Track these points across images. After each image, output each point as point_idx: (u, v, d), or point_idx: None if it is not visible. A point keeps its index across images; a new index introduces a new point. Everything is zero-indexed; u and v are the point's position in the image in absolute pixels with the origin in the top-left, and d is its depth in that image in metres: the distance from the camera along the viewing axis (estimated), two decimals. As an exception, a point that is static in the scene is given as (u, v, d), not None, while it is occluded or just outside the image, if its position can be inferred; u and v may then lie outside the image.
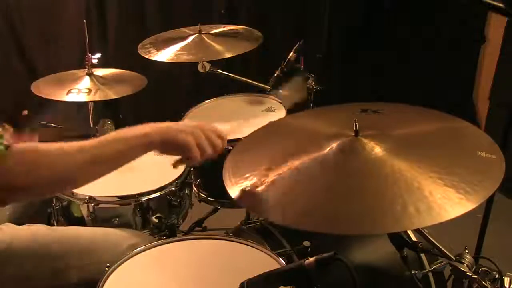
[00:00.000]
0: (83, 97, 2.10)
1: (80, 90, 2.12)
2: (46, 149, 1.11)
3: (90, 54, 2.20)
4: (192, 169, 2.01)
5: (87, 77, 2.19)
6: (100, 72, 2.26)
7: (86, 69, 2.21)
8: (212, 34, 2.33)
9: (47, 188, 1.14)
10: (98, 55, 2.24)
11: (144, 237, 1.61)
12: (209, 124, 1.26)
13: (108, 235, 1.55)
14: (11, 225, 1.54)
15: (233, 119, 2.14)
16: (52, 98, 2.10)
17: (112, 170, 1.17)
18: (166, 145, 1.19)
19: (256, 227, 1.63)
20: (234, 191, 1.13)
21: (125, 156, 1.17)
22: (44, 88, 2.14)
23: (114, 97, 2.14)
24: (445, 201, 0.96)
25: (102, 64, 2.29)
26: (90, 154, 1.12)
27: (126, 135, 1.17)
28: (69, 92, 2.11)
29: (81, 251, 1.47)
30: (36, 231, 1.52)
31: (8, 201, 1.13)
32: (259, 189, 1.10)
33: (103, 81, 2.20)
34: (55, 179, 1.11)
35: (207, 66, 2.19)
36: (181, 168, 1.93)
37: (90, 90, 2.13)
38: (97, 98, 2.12)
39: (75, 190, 1.75)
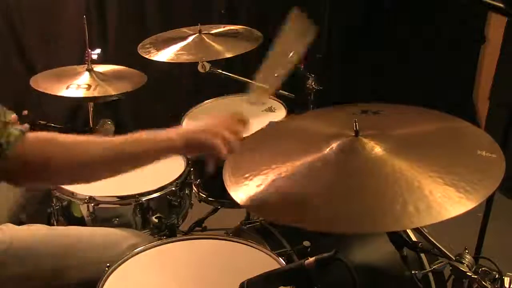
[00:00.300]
0: (82, 93, 2.09)
1: (79, 85, 2.11)
2: (65, 140, 1.10)
3: (90, 50, 2.19)
4: (192, 169, 2.01)
5: (87, 73, 2.18)
6: (100, 68, 2.25)
7: (86, 65, 2.21)
8: (212, 34, 2.33)
9: (60, 176, 1.14)
10: (98, 50, 2.23)
11: (144, 237, 1.61)
12: (228, 116, 1.25)
13: (108, 235, 1.55)
14: (11, 225, 1.54)
15: (233, 119, 2.14)
16: (51, 93, 2.09)
17: (132, 169, 1.16)
18: (190, 148, 1.18)
19: (256, 227, 1.63)
20: (234, 192, 1.13)
21: (148, 157, 1.16)
22: (43, 83, 2.12)
23: (113, 93, 2.12)
24: (445, 200, 0.96)
25: (101, 63, 2.29)
26: (110, 151, 1.12)
27: (151, 136, 1.15)
28: (68, 86, 2.09)
29: (81, 251, 1.47)
30: (36, 231, 1.53)
31: (22, 184, 1.14)
32: (259, 189, 1.10)
33: (102, 77, 2.19)
34: (69, 169, 1.10)
35: (207, 66, 2.19)
36: (181, 168, 1.93)
37: (89, 85, 2.11)
38: (96, 94, 2.11)
39: (75, 190, 1.75)
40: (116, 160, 1.14)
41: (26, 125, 1.08)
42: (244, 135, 1.25)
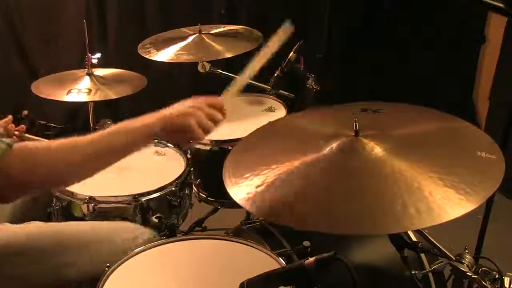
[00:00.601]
0: (83, 97, 2.11)
1: (80, 90, 2.13)
2: (46, 146, 1.11)
3: (90, 54, 2.21)
4: (192, 169, 2.01)
5: (87, 77, 2.20)
6: (100, 72, 2.26)
7: (86, 69, 2.22)
8: (212, 34, 2.33)
9: (48, 183, 1.15)
10: (98, 55, 2.24)
11: (143, 229, 1.60)
12: (204, 99, 1.27)
13: (107, 228, 1.55)
14: (9, 224, 1.54)
15: (233, 119, 2.14)
16: (52, 98, 2.11)
17: (114, 162, 1.18)
18: (168, 132, 1.21)
19: (256, 227, 1.63)
20: (234, 192, 1.13)
21: (127, 148, 1.18)
22: (44, 88, 2.15)
23: (114, 97, 2.14)
24: (445, 202, 0.96)
25: (102, 64, 2.29)
26: (92, 149, 1.13)
27: (127, 127, 1.18)
28: (69, 92, 2.11)
29: (79, 246, 1.46)
30: (34, 228, 1.52)
31: (11, 198, 1.14)
32: (259, 189, 1.10)
33: (103, 81, 2.20)
34: (55, 176, 1.11)
35: (207, 66, 2.19)
36: (181, 168, 1.93)
37: (90, 90, 2.14)
38: (97, 98, 2.13)
39: (75, 190, 1.75)
40: (102, 156, 1.15)
41: (14, 138, 1.07)
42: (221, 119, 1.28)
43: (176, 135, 1.24)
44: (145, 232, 1.56)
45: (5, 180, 1.05)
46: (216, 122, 1.24)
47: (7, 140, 1.05)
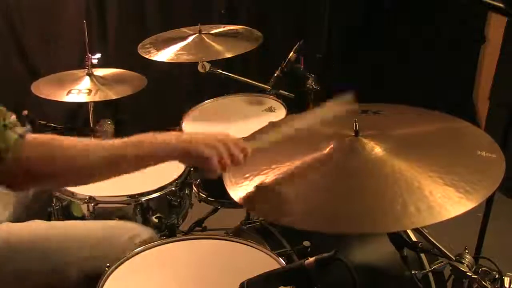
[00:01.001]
0: (83, 98, 2.11)
1: (80, 90, 2.13)
2: (64, 143, 1.10)
3: (90, 54, 2.21)
4: (192, 169, 2.01)
5: (87, 77, 2.20)
6: (100, 72, 2.26)
7: (86, 69, 2.22)
8: (212, 34, 2.33)
9: (61, 179, 1.14)
10: (98, 55, 2.25)
11: (144, 229, 1.59)
12: (232, 137, 1.22)
13: (107, 228, 1.55)
14: (11, 224, 1.54)
15: (233, 119, 2.14)
16: (52, 99, 2.11)
17: (128, 172, 1.16)
18: (187, 157, 1.17)
19: (256, 227, 1.63)
20: (234, 192, 1.13)
21: (144, 161, 1.15)
22: (44, 88, 2.15)
23: (114, 97, 2.14)
24: (445, 200, 0.97)
25: (102, 64, 2.29)
26: (110, 154, 1.12)
27: (150, 140, 1.15)
28: (69, 92, 2.11)
29: (80, 245, 1.46)
30: (35, 227, 1.53)
31: (23, 187, 1.14)
32: (259, 188, 1.10)
33: (103, 81, 2.20)
34: (70, 172, 1.11)
35: (207, 66, 2.19)
36: (181, 168, 1.93)
37: (90, 90, 2.14)
38: (97, 98, 2.13)
39: (75, 190, 1.75)
40: (116, 163, 1.14)
41: (27, 127, 1.07)
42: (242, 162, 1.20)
43: (195, 162, 1.21)
44: (144, 231, 1.56)
45: (19, 168, 1.05)
46: (235, 163, 1.18)
47: (19, 130, 1.05)
